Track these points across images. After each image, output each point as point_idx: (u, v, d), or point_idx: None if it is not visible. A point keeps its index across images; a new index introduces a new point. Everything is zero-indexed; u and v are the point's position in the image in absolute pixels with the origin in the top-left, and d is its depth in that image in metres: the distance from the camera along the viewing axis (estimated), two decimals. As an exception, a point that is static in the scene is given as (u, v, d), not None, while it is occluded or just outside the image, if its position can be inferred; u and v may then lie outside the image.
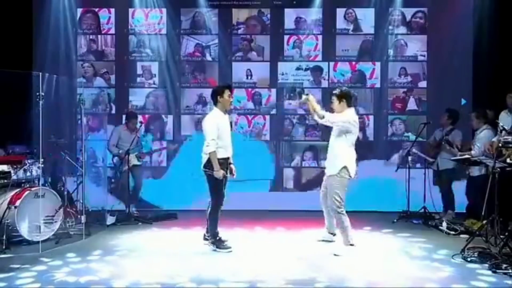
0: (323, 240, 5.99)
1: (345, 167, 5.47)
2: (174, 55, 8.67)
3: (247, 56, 8.67)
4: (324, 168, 5.90)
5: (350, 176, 5.51)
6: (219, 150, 5.59)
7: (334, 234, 5.92)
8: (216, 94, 5.78)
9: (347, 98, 5.53)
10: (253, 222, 7.16)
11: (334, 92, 5.67)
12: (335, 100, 5.57)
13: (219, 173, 5.55)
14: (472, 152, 6.66)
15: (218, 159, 5.58)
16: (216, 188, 5.67)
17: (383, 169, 8.37)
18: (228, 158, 5.79)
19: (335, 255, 5.45)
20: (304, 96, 5.62)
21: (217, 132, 5.59)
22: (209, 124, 5.63)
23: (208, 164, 5.61)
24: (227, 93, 5.76)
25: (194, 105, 8.68)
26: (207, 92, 8.53)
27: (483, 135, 6.73)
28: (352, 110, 5.59)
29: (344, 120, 5.46)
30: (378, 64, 8.60)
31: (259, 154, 8.52)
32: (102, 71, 8.70)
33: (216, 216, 5.74)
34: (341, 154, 5.53)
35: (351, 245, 5.57)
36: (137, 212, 7.57)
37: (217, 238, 5.74)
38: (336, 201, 5.51)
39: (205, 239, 5.96)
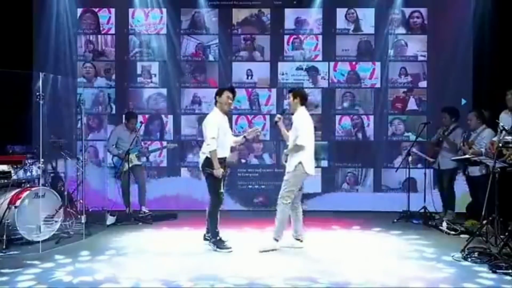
0: (291, 247, 5.80)
1: (300, 163, 5.59)
2: (174, 55, 8.67)
3: (251, 55, 8.67)
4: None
5: (306, 172, 5.63)
6: (218, 149, 5.61)
7: (301, 240, 5.81)
8: (216, 95, 5.85)
9: (300, 97, 5.80)
10: (254, 222, 7.16)
11: (290, 90, 5.96)
12: (291, 97, 5.83)
13: (218, 171, 5.57)
14: (483, 150, 6.59)
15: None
16: (215, 187, 5.70)
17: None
18: (225, 158, 5.81)
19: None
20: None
21: (218, 131, 5.62)
22: (210, 123, 5.68)
23: (207, 163, 5.63)
24: (225, 94, 5.79)
25: (190, 105, 8.68)
26: (201, 93, 8.58)
27: (487, 134, 6.70)
28: (303, 109, 5.80)
29: (299, 137, 5.61)
30: (378, 64, 8.60)
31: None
32: (106, 69, 8.69)
33: (215, 215, 5.76)
34: (297, 153, 5.65)
35: (276, 240, 5.65)
36: (149, 212, 7.60)
37: (218, 238, 5.74)
38: (285, 193, 5.62)
39: (205, 239, 5.97)
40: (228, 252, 5.60)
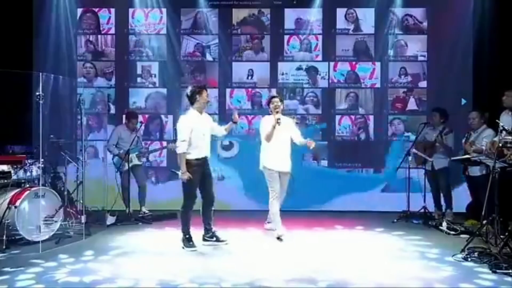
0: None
1: (264, 165, 6.20)
2: (174, 55, 8.67)
3: (257, 55, 8.64)
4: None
5: (270, 169, 6.15)
6: (193, 151, 5.64)
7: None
8: (195, 94, 5.74)
9: None
10: (253, 222, 7.16)
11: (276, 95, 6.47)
12: (282, 101, 6.32)
13: (184, 175, 5.58)
14: (483, 147, 6.54)
15: (191, 160, 5.64)
16: (187, 189, 5.71)
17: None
18: (202, 158, 5.76)
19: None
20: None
21: (190, 134, 5.61)
22: (182, 125, 5.69)
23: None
24: (205, 93, 5.77)
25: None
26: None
27: (488, 133, 6.68)
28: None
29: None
30: (378, 64, 8.60)
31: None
32: (107, 71, 8.69)
33: (185, 216, 5.78)
34: (261, 155, 6.30)
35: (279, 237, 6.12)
36: (149, 212, 7.59)
37: (186, 236, 5.76)
38: (270, 191, 6.19)
39: (204, 239, 5.97)
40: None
